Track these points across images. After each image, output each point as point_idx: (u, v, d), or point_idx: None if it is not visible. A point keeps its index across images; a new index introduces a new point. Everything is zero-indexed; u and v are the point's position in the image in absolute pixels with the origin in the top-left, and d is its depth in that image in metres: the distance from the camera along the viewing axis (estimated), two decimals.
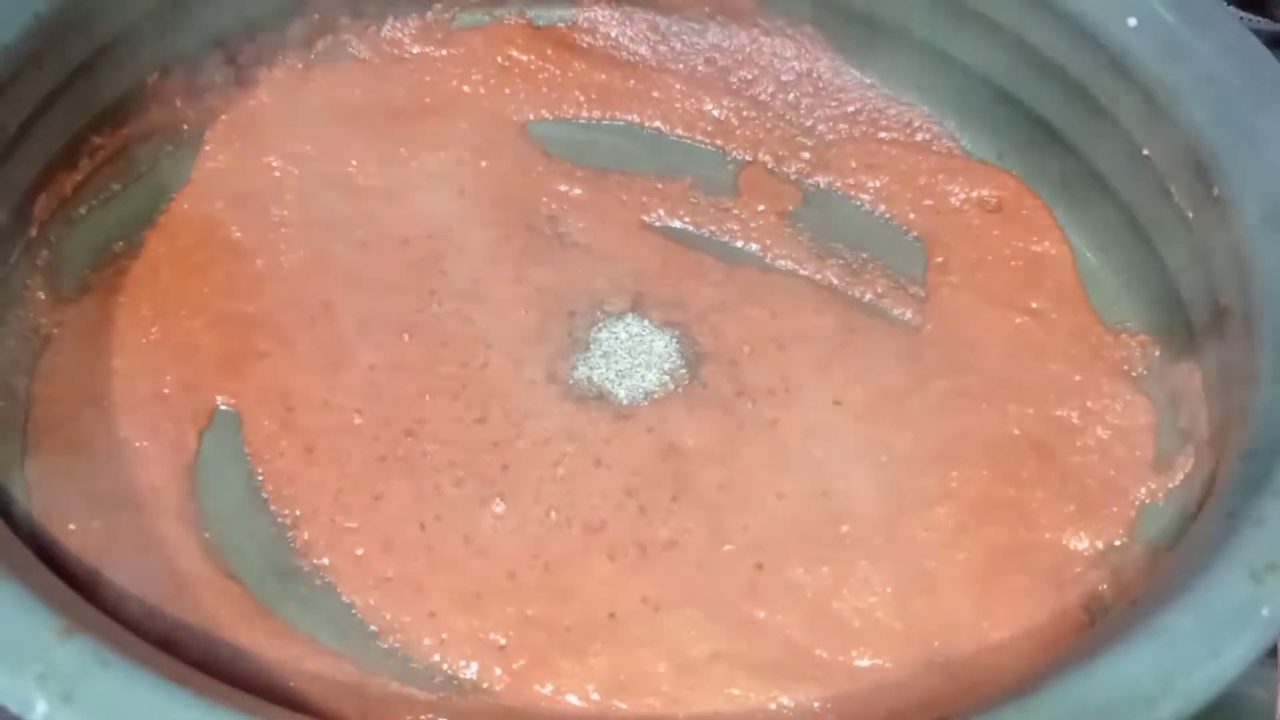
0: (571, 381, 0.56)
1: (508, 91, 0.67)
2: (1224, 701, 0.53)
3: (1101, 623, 0.45)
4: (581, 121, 0.67)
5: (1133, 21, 0.56)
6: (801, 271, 0.61)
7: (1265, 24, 0.67)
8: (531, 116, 0.67)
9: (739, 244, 0.62)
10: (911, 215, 0.64)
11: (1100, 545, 0.52)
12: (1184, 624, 0.37)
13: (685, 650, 0.48)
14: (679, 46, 0.69)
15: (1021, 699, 0.35)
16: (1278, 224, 0.49)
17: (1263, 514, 0.40)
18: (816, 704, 0.47)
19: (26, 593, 0.36)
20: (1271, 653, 0.48)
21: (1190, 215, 0.54)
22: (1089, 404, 0.56)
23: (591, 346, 0.58)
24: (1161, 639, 0.37)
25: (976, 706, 0.35)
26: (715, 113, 0.67)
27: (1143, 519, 0.52)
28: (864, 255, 0.62)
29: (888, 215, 0.64)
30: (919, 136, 0.66)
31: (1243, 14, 0.67)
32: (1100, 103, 0.58)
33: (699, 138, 0.66)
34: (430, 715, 0.46)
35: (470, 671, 0.48)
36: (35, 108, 0.54)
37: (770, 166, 0.65)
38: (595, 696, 0.47)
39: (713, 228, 0.63)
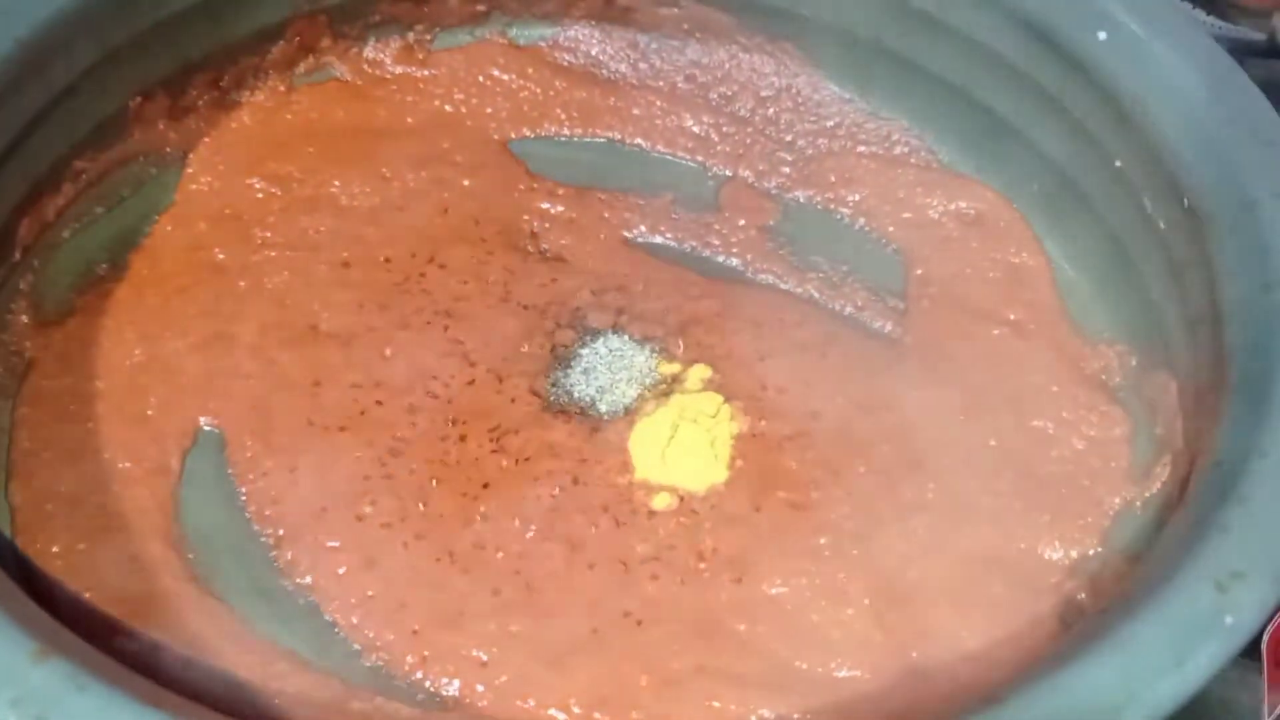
0: (553, 397, 0.57)
1: (489, 110, 0.68)
2: (1208, 707, 0.54)
3: (1073, 631, 0.46)
4: (563, 139, 0.68)
5: (1103, 35, 0.56)
6: (782, 285, 0.62)
7: (1228, 29, 0.68)
8: (513, 135, 0.67)
9: (720, 258, 0.63)
10: (891, 228, 0.64)
11: (1075, 555, 0.52)
12: (1149, 633, 0.38)
13: (667, 663, 0.49)
14: (659, 64, 0.69)
15: (989, 709, 0.36)
16: (1243, 235, 0.49)
17: (1228, 523, 0.40)
18: (797, 715, 0.48)
19: (2, 616, 0.36)
20: (1256, 657, 0.49)
21: (1162, 226, 0.55)
22: (1065, 414, 0.56)
23: (573, 362, 0.58)
24: (1127, 648, 0.37)
25: (947, 716, 0.36)
26: (695, 129, 0.67)
27: (1120, 528, 0.53)
28: (844, 268, 0.62)
29: (867, 228, 0.64)
30: (897, 150, 0.66)
31: (1205, 18, 0.67)
32: (1074, 116, 0.59)
33: (680, 154, 0.67)
34: None
35: (452, 688, 0.48)
36: (18, 132, 0.54)
37: (751, 181, 0.66)
38: (577, 710, 0.48)
39: (694, 243, 0.63)
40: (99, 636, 0.43)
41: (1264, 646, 0.49)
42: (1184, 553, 0.40)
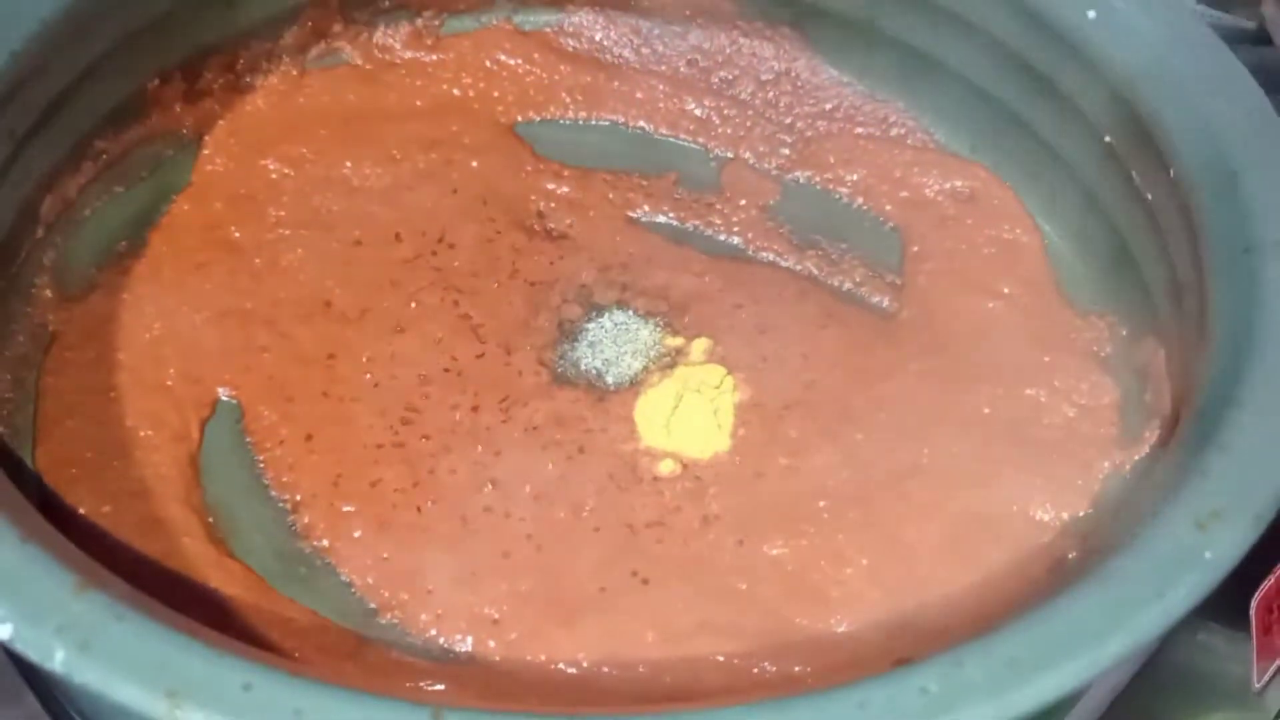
0: (560, 370, 0.58)
1: (496, 94, 0.69)
2: (1200, 678, 0.55)
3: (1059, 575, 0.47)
4: (568, 122, 0.69)
5: (1091, 14, 0.58)
6: (782, 262, 0.63)
7: (1219, 17, 0.69)
8: (519, 118, 0.69)
9: (722, 237, 0.65)
10: (888, 207, 0.66)
11: (1065, 516, 0.53)
12: (1132, 567, 0.39)
13: (672, 620, 0.50)
14: (661, 49, 0.71)
15: (979, 638, 0.37)
16: (1226, 202, 0.51)
17: (1208, 467, 0.42)
18: (798, 668, 0.49)
19: (44, 552, 0.38)
20: (1244, 627, 0.50)
21: (1150, 198, 0.56)
22: (1056, 384, 0.57)
23: (579, 336, 0.60)
24: (1111, 581, 0.39)
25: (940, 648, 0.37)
26: (697, 112, 0.69)
27: (1110, 491, 0.54)
28: (843, 246, 0.64)
29: (865, 207, 0.66)
30: (894, 131, 0.68)
31: (1196, 6, 0.69)
32: (1064, 93, 0.60)
33: (682, 136, 0.69)
34: (429, 681, 0.48)
35: (465, 645, 0.50)
36: (41, 112, 0.55)
37: (751, 162, 0.67)
38: (586, 665, 0.49)
39: (696, 222, 0.65)
40: None
41: (1253, 614, 0.50)
42: (1166, 496, 0.42)
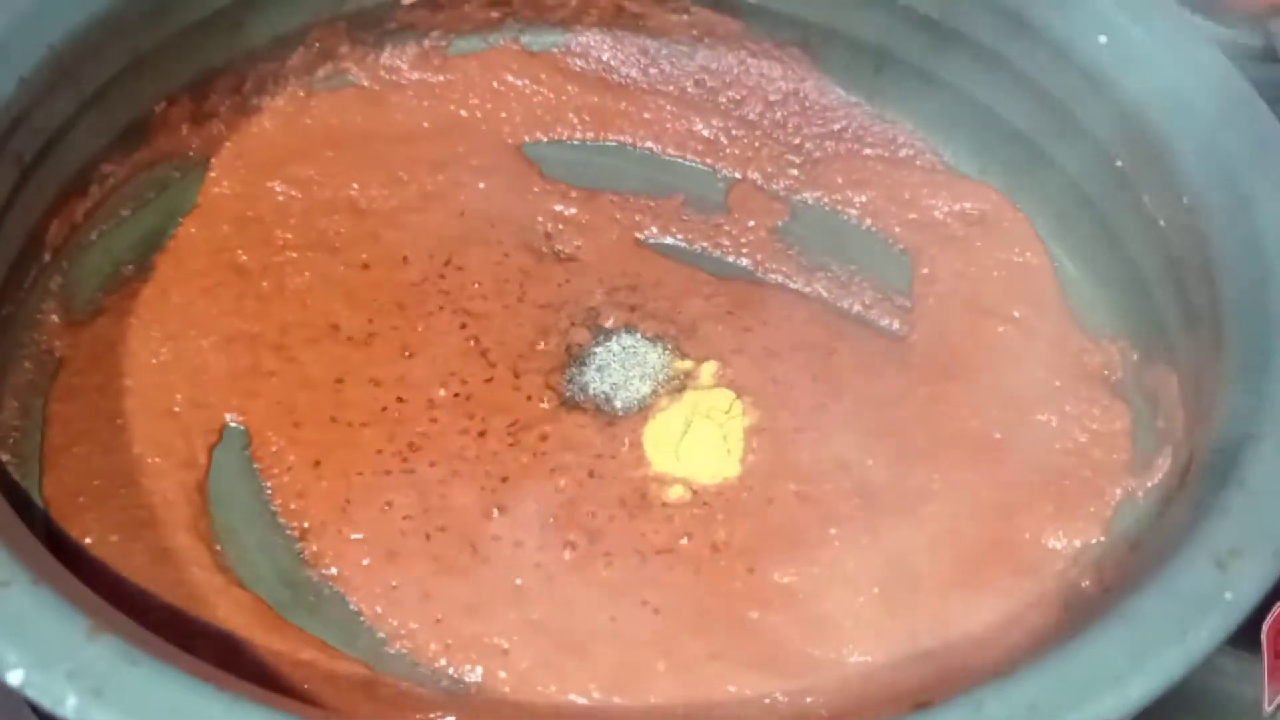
0: (568, 394, 0.58)
1: (503, 115, 0.69)
2: (1212, 699, 0.55)
3: (1077, 610, 0.47)
4: (575, 143, 0.69)
5: (1103, 39, 0.58)
6: (791, 284, 0.63)
7: (1225, 34, 0.69)
8: (527, 138, 0.68)
9: (730, 259, 0.64)
10: (897, 228, 0.65)
11: (1078, 544, 0.53)
12: (1153, 608, 0.39)
13: (683, 650, 0.50)
14: (669, 69, 0.71)
15: (999, 680, 0.37)
16: (1240, 230, 0.51)
17: (1228, 505, 0.42)
18: (809, 699, 0.49)
19: (55, 596, 0.38)
20: (1256, 650, 0.50)
21: (1162, 223, 0.56)
22: (1068, 409, 0.57)
23: (587, 360, 0.59)
24: (1132, 622, 0.39)
25: (958, 689, 0.37)
26: (705, 132, 0.69)
27: (1123, 517, 0.54)
28: (852, 268, 0.64)
29: (874, 229, 0.66)
30: (903, 152, 0.68)
31: (1203, 23, 0.69)
32: (1075, 117, 0.60)
33: (690, 157, 0.68)
34: (439, 713, 0.48)
35: (475, 675, 0.50)
36: (50, 135, 0.55)
37: (760, 183, 0.67)
38: (597, 695, 0.49)
39: (705, 243, 0.65)
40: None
41: (1264, 637, 0.50)
42: (1185, 533, 0.41)
